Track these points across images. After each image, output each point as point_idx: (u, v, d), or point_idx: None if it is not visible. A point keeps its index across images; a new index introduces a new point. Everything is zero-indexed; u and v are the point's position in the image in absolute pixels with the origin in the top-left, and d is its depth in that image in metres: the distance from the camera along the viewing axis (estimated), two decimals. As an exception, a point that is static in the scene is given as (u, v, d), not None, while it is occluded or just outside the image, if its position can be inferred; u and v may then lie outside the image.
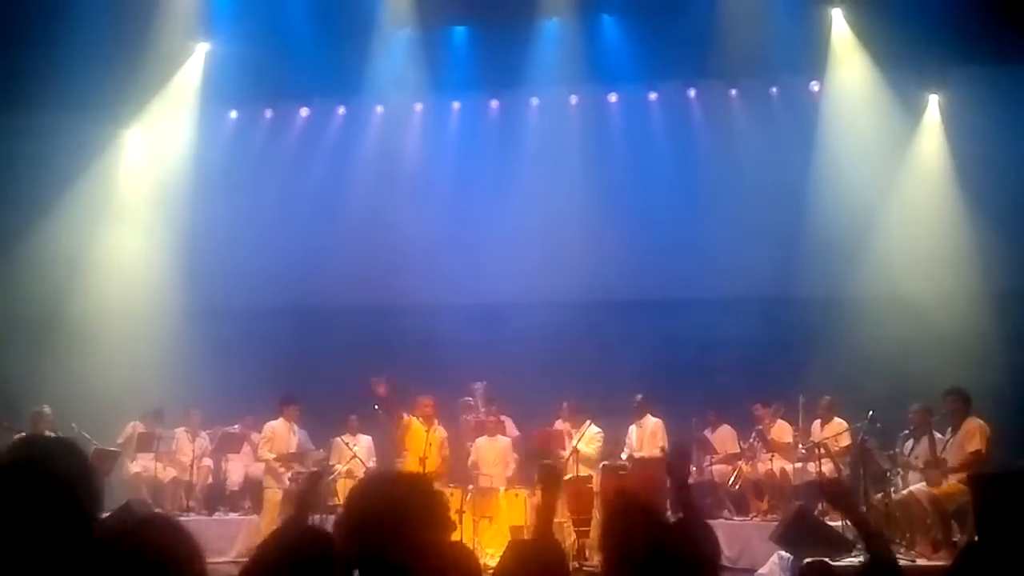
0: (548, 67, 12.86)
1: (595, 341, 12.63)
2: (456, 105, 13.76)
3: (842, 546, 8.44)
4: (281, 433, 11.26)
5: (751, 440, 11.17)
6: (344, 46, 12.56)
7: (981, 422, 8.83)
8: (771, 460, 10.87)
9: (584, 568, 9.81)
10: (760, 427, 11.11)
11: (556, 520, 10.19)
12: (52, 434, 10.56)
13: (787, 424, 11.06)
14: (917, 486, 8.95)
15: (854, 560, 8.08)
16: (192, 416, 11.95)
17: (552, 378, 11.77)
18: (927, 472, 9.00)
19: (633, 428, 11.20)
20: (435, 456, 10.35)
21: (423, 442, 10.17)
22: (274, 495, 10.84)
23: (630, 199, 13.07)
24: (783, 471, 10.78)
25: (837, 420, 10.63)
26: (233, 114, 13.90)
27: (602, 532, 3.33)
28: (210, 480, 11.94)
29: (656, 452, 10.91)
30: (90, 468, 2.21)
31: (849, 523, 9.01)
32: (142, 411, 11.73)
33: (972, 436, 8.70)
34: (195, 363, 12.11)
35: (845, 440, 10.33)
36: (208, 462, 11.92)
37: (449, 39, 13.17)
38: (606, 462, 10.88)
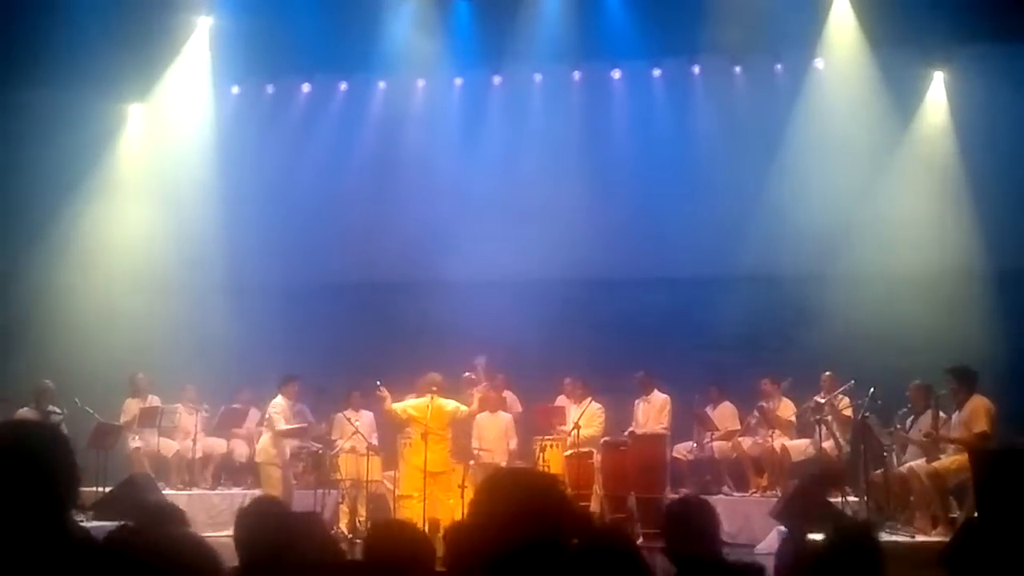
0: (551, 43, 12.77)
1: (597, 318, 12.66)
2: (458, 81, 13.69)
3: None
4: (283, 411, 11.25)
5: (754, 414, 11.16)
6: (347, 22, 12.49)
7: (985, 400, 8.71)
8: (771, 437, 10.92)
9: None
10: (762, 403, 11.13)
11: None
12: (55, 409, 10.66)
13: (790, 402, 11.10)
14: (916, 462, 8.97)
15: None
16: (187, 391, 11.98)
17: (554, 355, 11.82)
18: (926, 446, 8.99)
19: (639, 403, 11.21)
20: (439, 430, 10.32)
21: (425, 416, 10.19)
22: (275, 471, 10.86)
23: (633, 176, 13.04)
24: (783, 448, 10.83)
25: (841, 397, 10.63)
26: (235, 89, 13.83)
27: None
28: (213, 454, 12.00)
29: (658, 429, 10.96)
30: (70, 455, 2.18)
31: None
32: (130, 387, 11.75)
33: (978, 416, 8.62)
34: (198, 338, 12.17)
35: (847, 409, 10.32)
36: (210, 437, 11.98)
37: (452, 15, 13.09)
38: (607, 438, 10.94)
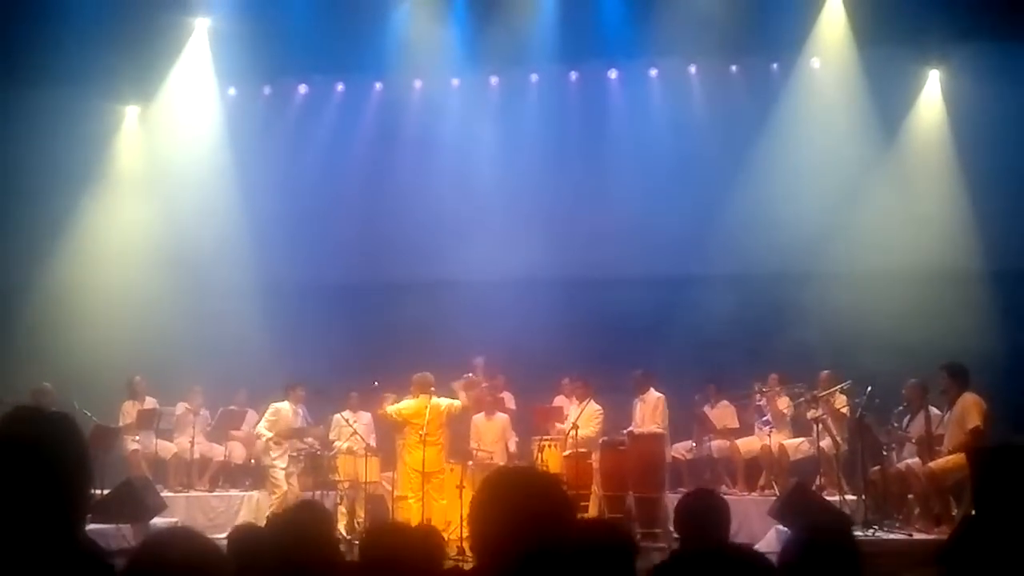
0: (548, 43, 12.80)
1: (595, 318, 12.65)
2: (455, 82, 13.69)
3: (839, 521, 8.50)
4: (286, 415, 11.21)
5: (758, 402, 11.13)
6: (343, 23, 12.47)
7: (976, 397, 8.75)
8: (769, 436, 10.91)
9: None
10: (761, 403, 11.11)
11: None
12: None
13: (789, 400, 11.09)
14: (913, 460, 8.99)
15: (856, 534, 8.13)
16: (194, 392, 11.98)
17: (553, 355, 11.81)
18: (920, 448, 9.03)
19: (637, 402, 11.21)
20: (435, 430, 10.31)
21: (423, 418, 10.17)
22: (277, 473, 10.84)
23: (630, 176, 13.03)
24: (781, 447, 10.82)
25: (838, 394, 10.63)
26: (232, 91, 13.83)
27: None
28: (212, 459, 11.98)
29: (655, 428, 10.95)
30: (84, 446, 2.04)
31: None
32: (128, 390, 11.73)
33: (969, 412, 8.67)
34: (195, 340, 12.15)
35: (844, 407, 10.30)
36: (209, 442, 11.97)
37: (448, 16, 13.09)
38: (605, 438, 10.92)
